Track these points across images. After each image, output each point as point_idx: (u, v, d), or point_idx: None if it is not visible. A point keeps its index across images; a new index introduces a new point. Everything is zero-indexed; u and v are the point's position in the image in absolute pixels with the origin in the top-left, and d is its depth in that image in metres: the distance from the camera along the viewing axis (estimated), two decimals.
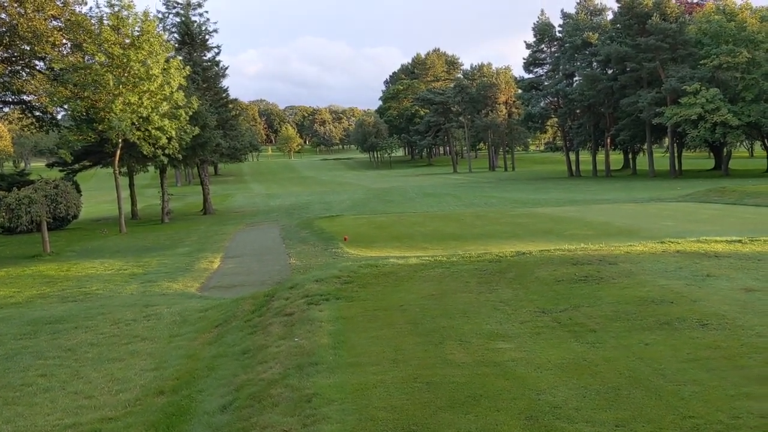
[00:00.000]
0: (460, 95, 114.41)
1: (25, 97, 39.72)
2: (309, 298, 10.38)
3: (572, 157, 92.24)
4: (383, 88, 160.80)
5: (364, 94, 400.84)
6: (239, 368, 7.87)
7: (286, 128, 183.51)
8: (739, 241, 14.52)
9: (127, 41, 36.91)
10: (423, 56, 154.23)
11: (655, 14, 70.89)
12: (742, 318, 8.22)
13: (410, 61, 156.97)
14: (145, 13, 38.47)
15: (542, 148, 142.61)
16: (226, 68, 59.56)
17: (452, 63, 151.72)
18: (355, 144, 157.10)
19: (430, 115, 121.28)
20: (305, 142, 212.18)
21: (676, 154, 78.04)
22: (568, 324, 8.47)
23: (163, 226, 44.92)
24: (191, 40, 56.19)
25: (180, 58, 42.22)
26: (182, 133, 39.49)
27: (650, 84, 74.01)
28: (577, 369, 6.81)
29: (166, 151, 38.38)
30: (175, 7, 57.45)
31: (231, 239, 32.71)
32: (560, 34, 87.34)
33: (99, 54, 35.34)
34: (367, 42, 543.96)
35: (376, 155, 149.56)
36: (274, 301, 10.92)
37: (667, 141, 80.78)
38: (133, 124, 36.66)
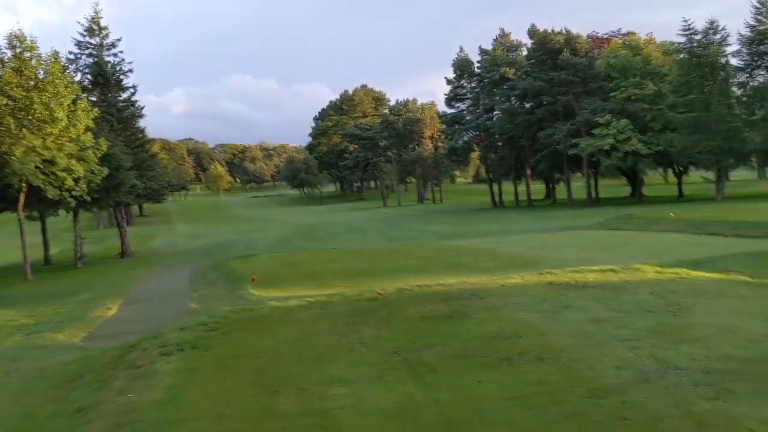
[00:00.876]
0: (387, 130, 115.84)
1: None
2: (164, 348, 10.05)
3: (496, 188, 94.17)
4: (313, 124, 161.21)
5: (295, 130, 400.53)
6: (66, 429, 7.52)
7: (214, 167, 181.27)
8: (612, 270, 14.95)
9: (31, 83, 35.84)
10: (351, 93, 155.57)
11: (565, 50, 73.78)
12: (580, 351, 8.39)
13: (338, 98, 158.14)
14: (54, 54, 37.62)
15: (470, 180, 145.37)
16: (142, 108, 58.83)
17: (379, 99, 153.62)
18: (285, 180, 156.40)
19: (358, 150, 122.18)
20: (236, 179, 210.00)
21: (592, 183, 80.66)
22: (415, 364, 8.47)
23: (75, 272, 43.40)
24: (105, 80, 55.17)
25: (87, 97, 41.26)
26: (91, 175, 38.38)
27: (566, 116, 76.64)
28: (401, 414, 6.77)
29: (74, 193, 37.15)
30: (87, 48, 56.53)
31: (139, 283, 31.80)
32: (479, 70, 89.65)
33: (0, 97, 34.19)
34: (295, 79, 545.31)
35: (306, 191, 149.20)
36: (133, 352, 10.56)
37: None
38: (36, 167, 35.42)
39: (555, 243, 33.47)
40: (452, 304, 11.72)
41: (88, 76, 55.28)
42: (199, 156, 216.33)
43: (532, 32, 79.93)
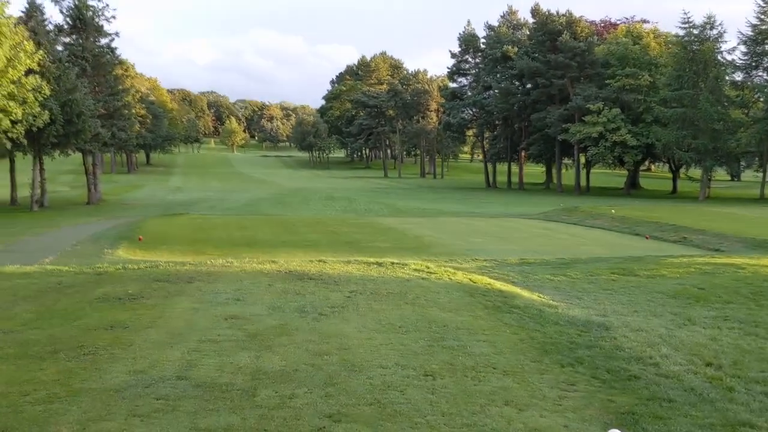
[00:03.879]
0: (393, 100, 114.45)
1: None
2: None
3: (492, 168, 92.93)
4: (329, 87, 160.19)
5: (317, 91, 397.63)
6: None
7: (230, 122, 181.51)
8: (372, 263, 14.51)
9: None
10: (368, 59, 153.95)
11: (565, 32, 71.77)
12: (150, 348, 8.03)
13: (356, 63, 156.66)
14: None
15: (482, 157, 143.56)
16: (118, 56, 58.52)
17: (396, 67, 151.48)
18: (294, 143, 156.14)
19: (363, 117, 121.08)
20: (253, 137, 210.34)
21: (583, 171, 79.03)
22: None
23: (21, 215, 43.88)
24: (83, 24, 55.01)
25: (35, 39, 41.13)
26: (31, 118, 38.43)
27: (561, 101, 74.94)
28: None
29: (9, 135, 37.29)
30: None
31: (52, 231, 31.99)
32: (484, 46, 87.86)
33: None
34: (322, 38, 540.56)
35: (316, 155, 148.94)
36: None
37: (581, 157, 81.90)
38: None
39: (475, 230, 32.92)
40: (152, 286, 11.40)
41: (68, 20, 55.16)
42: (219, 110, 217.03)
43: (535, 11, 77.82)
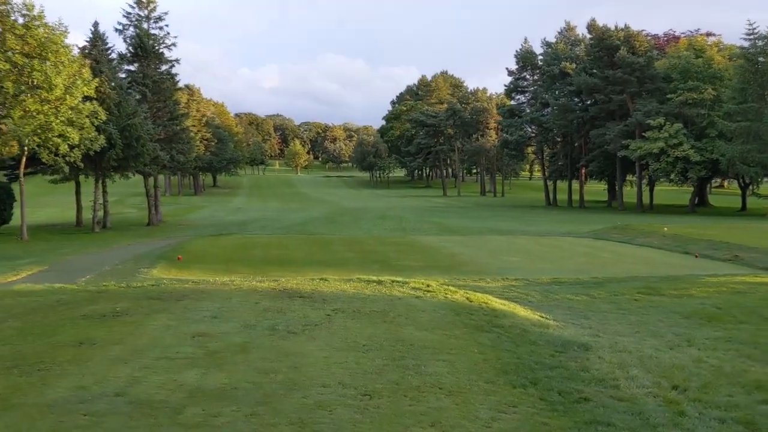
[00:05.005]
0: (452, 118, 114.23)
1: None
2: None
3: (552, 186, 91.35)
4: (390, 108, 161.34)
5: (381, 112, 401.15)
6: None
7: (294, 144, 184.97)
8: (372, 281, 14.32)
9: (30, 49, 37.46)
10: (429, 78, 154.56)
11: (623, 47, 70.12)
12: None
13: (416, 83, 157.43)
14: (59, 24, 39.29)
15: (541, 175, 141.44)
16: (177, 81, 60.48)
17: (457, 86, 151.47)
18: (355, 163, 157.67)
19: (421, 137, 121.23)
20: (317, 158, 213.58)
21: (647, 188, 76.68)
22: None
23: (82, 236, 45.59)
24: (144, 52, 57.17)
25: (93, 65, 43.10)
26: (88, 142, 40.06)
27: (621, 117, 73.11)
28: None
29: (68, 159, 38.94)
30: (137, 20, 58.24)
31: (103, 252, 33.12)
32: (541, 63, 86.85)
33: (2, 63, 36.04)
34: (385, 60, 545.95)
35: (376, 175, 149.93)
36: None
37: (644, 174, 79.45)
38: (35, 133, 37.31)
39: (516, 248, 32.30)
40: (141, 304, 11.59)
41: (130, 48, 57.43)
42: (284, 132, 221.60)
43: (591, 27, 76.41)
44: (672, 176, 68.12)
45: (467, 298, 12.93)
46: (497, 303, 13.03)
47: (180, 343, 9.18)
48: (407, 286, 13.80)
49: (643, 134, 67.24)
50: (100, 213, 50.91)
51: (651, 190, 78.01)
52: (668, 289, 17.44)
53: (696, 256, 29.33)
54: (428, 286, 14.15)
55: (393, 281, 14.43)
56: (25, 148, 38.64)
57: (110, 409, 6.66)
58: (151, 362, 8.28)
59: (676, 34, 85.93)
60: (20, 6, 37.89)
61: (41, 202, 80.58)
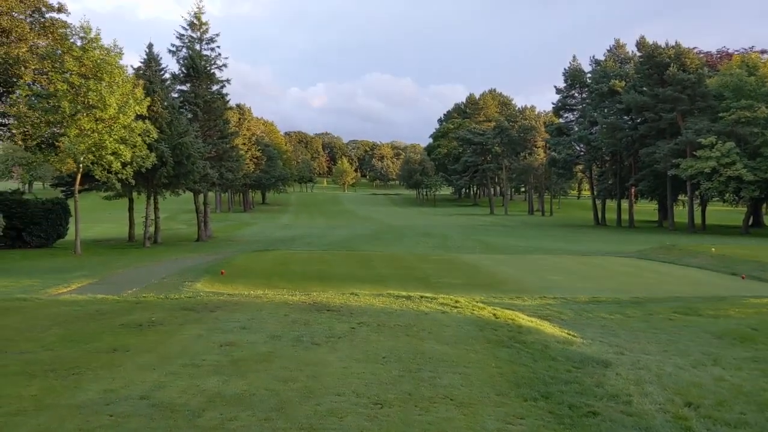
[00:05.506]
0: (499, 136, 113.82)
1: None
2: None
3: (601, 205, 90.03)
4: (437, 126, 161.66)
5: (428, 130, 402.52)
6: None
7: (342, 162, 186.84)
8: (401, 296, 14.44)
9: (86, 70, 39.07)
10: (477, 96, 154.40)
11: (673, 65, 68.97)
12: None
13: (464, 101, 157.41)
14: (114, 45, 40.89)
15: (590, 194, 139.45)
16: (228, 101, 61.92)
17: (505, 104, 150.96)
18: (402, 181, 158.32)
19: (468, 154, 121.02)
20: (365, 176, 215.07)
21: (698, 209, 74.89)
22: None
23: (133, 251, 46.96)
24: (196, 72, 58.87)
25: (146, 84, 44.67)
26: (140, 160, 41.38)
27: (672, 135, 71.76)
28: None
29: (120, 176, 40.30)
30: (190, 41, 60.06)
31: (152, 266, 34.05)
32: (590, 81, 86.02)
33: (60, 83, 37.72)
34: (433, 79, 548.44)
35: (422, 193, 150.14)
36: None
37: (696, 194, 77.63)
38: (89, 150, 38.81)
39: (558, 267, 32.04)
40: (176, 314, 12.05)
41: (183, 69, 59.22)
42: (332, 150, 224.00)
43: (641, 44, 75.41)
44: (726, 196, 66.38)
45: (494, 315, 13.01)
46: (524, 320, 13.07)
47: (207, 351, 9.56)
48: (435, 302, 13.95)
49: (694, 153, 65.86)
50: (151, 229, 52.37)
51: (703, 210, 76.12)
52: (706, 309, 17.15)
53: (743, 277, 28.63)
54: (456, 302, 14.27)
55: (422, 297, 14.60)
56: (80, 166, 40.19)
57: (133, 411, 7.04)
58: (178, 369, 8.66)
59: (730, 51, 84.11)
60: (78, 29, 39.73)
61: (96, 218, 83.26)
